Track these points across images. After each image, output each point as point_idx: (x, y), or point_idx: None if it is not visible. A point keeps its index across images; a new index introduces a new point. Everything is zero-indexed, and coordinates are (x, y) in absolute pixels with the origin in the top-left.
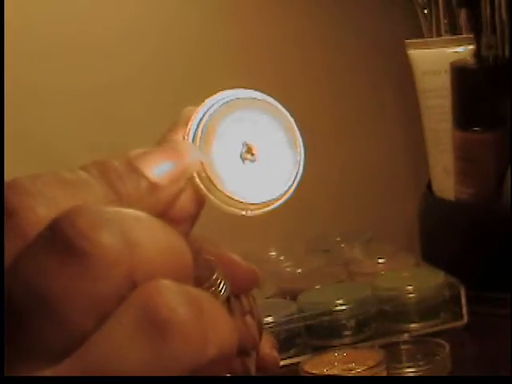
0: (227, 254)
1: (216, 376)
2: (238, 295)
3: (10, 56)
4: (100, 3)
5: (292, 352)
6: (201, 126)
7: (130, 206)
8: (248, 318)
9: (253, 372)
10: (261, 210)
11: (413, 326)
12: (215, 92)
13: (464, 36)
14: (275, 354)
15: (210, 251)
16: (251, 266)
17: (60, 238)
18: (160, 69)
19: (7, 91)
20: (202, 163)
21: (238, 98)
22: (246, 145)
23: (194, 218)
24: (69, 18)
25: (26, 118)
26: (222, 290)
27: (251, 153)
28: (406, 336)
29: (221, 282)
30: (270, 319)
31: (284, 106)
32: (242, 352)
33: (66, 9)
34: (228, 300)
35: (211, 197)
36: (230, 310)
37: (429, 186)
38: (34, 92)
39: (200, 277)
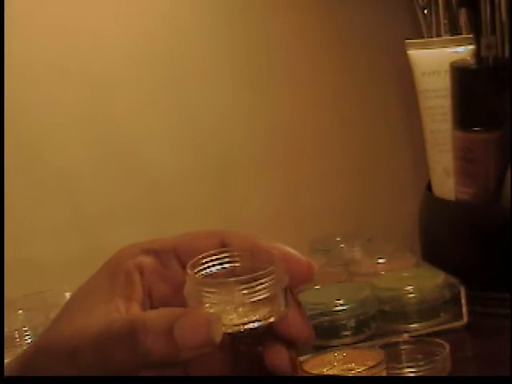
0: (284, 248)
1: (218, 376)
2: (290, 289)
3: (8, 59)
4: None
5: None
6: None
7: None
8: (303, 311)
9: (297, 366)
10: None
11: (413, 326)
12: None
13: (464, 36)
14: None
15: (267, 246)
16: (308, 259)
17: None
18: (159, 72)
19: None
20: None
21: None
22: None
23: None
24: (69, 24)
25: (25, 126)
26: (279, 281)
27: None
28: (405, 336)
29: (278, 273)
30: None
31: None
32: (291, 344)
33: (66, 13)
34: (285, 291)
35: None
36: (286, 301)
37: (429, 187)
38: (32, 99)
39: (258, 269)
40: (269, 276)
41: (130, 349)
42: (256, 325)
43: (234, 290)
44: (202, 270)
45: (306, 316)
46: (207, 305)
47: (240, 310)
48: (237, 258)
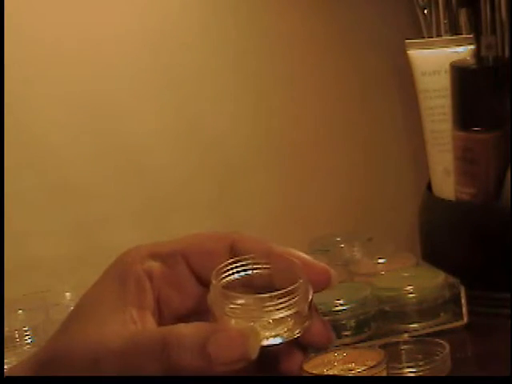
0: (300, 255)
1: (217, 376)
2: None
3: (8, 61)
4: (98, 9)
5: None
6: None
7: None
8: (320, 315)
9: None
10: None
11: (413, 326)
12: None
13: (464, 36)
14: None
15: (284, 252)
16: (325, 265)
17: None
18: (161, 73)
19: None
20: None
21: None
22: None
23: None
24: (67, 23)
25: (24, 125)
26: (305, 295)
27: None
28: (405, 336)
29: (305, 287)
30: None
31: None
32: (307, 348)
33: (65, 13)
34: (309, 303)
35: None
36: (310, 311)
37: (429, 186)
38: (32, 98)
39: (285, 279)
40: (296, 291)
41: (160, 363)
42: (281, 340)
43: (261, 306)
44: (224, 277)
45: (326, 321)
46: (232, 317)
47: (266, 323)
48: (256, 265)
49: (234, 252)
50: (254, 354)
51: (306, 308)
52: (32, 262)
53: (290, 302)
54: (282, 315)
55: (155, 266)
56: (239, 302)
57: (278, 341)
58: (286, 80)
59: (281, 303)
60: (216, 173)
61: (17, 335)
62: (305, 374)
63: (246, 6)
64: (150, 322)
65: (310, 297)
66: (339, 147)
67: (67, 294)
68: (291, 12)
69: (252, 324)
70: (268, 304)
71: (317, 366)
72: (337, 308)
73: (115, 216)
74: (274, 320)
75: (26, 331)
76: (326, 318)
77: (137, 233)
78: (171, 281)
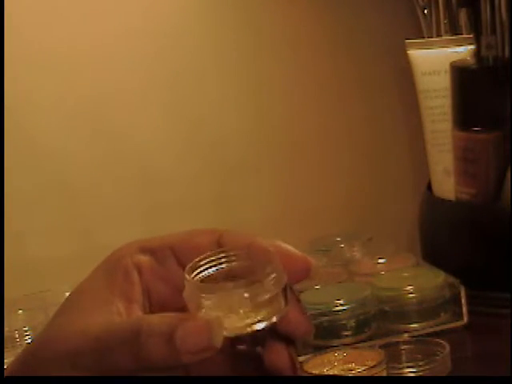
0: (281, 245)
1: (218, 376)
2: (290, 286)
3: (8, 62)
4: (97, 11)
5: None
6: None
7: None
8: (303, 306)
9: (297, 364)
10: None
11: (413, 325)
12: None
13: (464, 36)
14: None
15: (263, 243)
16: (306, 255)
17: None
18: (162, 74)
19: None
20: None
21: None
22: None
23: None
24: (68, 25)
25: (24, 125)
26: (278, 280)
27: None
28: (405, 336)
29: (277, 272)
30: None
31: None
32: (291, 342)
33: (65, 14)
34: (285, 289)
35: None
36: (286, 298)
37: (429, 186)
38: (33, 98)
39: (255, 267)
40: (268, 277)
41: (132, 351)
42: (258, 327)
43: (234, 294)
44: (199, 272)
45: (306, 312)
46: (207, 309)
47: (241, 312)
48: (234, 258)
49: (221, 247)
50: (217, 343)
51: (281, 294)
52: (32, 262)
53: (261, 288)
54: (254, 302)
55: (144, 259)
56: (210, 293)
57: (254, 328)
58: (286, 80)
59: (251, 290)
60: (218, 173)
61: (17, 335)
62: (305, 374)
63: (246, 7)
64: (136, 315)
65: (284, 282)
66: (340, 147)
67: (67, 293)
68: (291, 12)
69: (229, 314)
70: (238, 291)
71: (317, 365)
72: (337, 308)
73: (115, 216)
74: (247, 307)
75: (26, 331)
76: (326, 317)
77: (137, 233)
78: (160, 274)
